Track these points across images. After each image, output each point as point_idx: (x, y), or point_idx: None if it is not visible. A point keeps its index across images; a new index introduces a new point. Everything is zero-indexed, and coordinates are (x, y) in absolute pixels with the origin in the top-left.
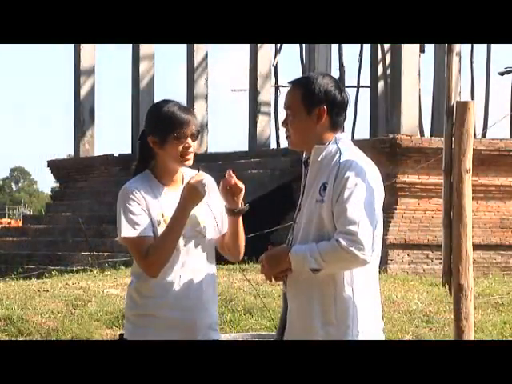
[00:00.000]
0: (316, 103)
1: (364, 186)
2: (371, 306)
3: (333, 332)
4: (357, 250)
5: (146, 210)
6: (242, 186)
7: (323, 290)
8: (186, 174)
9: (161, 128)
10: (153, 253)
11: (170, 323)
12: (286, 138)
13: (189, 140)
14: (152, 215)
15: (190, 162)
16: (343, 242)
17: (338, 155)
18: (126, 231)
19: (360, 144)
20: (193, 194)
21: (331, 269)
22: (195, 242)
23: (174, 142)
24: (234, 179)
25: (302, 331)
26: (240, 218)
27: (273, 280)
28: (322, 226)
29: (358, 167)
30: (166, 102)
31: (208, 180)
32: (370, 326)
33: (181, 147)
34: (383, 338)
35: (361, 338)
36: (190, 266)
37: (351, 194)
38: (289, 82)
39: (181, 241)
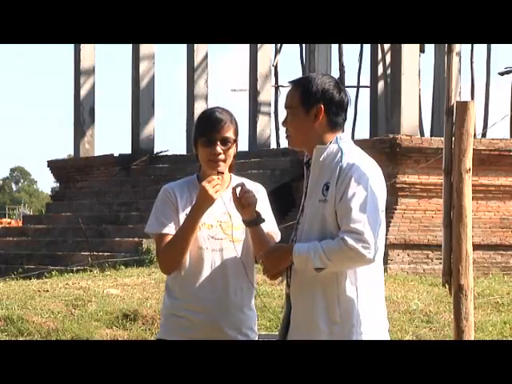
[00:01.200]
0: (313, 102)
1: (367, 185)
2: (375, 305)
3: (337, 331)
4: (363, 248)
5: (174, 208)
6: (249, 200)
7: (327, 290)
8: (234, 180)
9: (195, 131)
10: (163, 250)
11: (192, 324)
12: (286, 137)
13: (217, 147)
14: (181, 214)
15: (220, 169)
16: (349, 241)
17: (339, 155)
18: (149, 226)
19: (360, 144)
20: (202, 195)
21: (336, 267)
22: (225, 245)
23: (202, 147)
24: (243, 192)
25: (307, 331)
26: (260, 234)
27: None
28: (324, 225)
29: (360, 167)
30: (213, 107)
31: (254, 188)
32: (374, 326)
33: (208, 152)
34: (388, 338)
35: (365, 337)
36: (218, 269)
37: (355, 194)
38: (289, 82)
39: (210, 243)
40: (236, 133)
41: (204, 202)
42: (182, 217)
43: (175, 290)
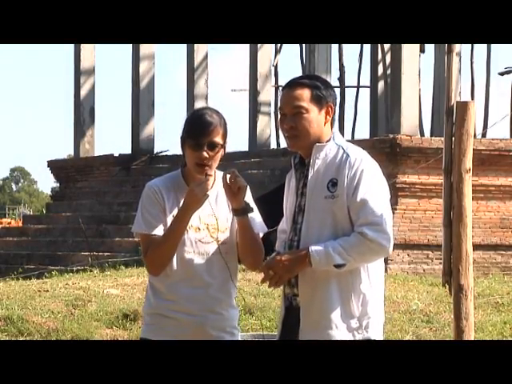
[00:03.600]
0: (325, 101)
1: (377, 178)
2: (382, 297)
3: (354, 325)
4: (383, 239)
5: (161, 209)
6: (240, 184)
7: (341, 284)
8: (218, 176)
9: (184, 130)
10: (151, 251)
11: (179, 324)
12: (289, 138)
13: (203, 152)
14: (168, 216)
15: (208, 172)
16: (370, 233)
17: (341, 151)
18: (136, 226)
19: (360, 144)
20: (191, 198)
21: (357, 262)
22: (211, 248)
23: (189, 150)
24: (233, 177)
25: (322, 327)
26: (249, 225)
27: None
28: (335, 222)
29: (368, 161)
30: (202, 108)
31: (240, 185)
32: (382, 318)
33: (195, 156)
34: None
35: (379, 329)
36: (204, 271)
37: (368, 187)
38: (290, 83)
39: (197, 247)
40: (224, 137)
41: (192, 204)
42: (170, 218)
43: (162, 291)
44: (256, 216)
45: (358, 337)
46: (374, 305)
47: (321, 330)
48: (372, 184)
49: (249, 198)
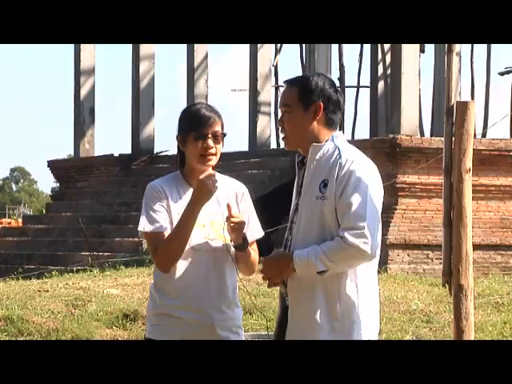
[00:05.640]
0: (312, 99)
1: (367, 181)
2: (373, 301)
3: (338, 327)
4: (363, 244)
5: (166, 207)
6: (238, 220)
7: (327, 288)
8: (217, 178)
9: (183, 126)
10: (161, 248)
11: (186, 324)
12: (283, 138)
13: (209, 140)
14: (173, 214)
15: (212, 163)
16: (350, 238)
17: (337, 152)
18: (142, 225)
19: (360, 144)
20: (201, 188)
21: (339, 268)
22: (217, 246)
23: (193, 141)
24: (231, 214)
25: (307, 328)
26: (246, 255)
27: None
28: (324, 224)
29: (359, 163)
30: (195, 103)
31: (240, 188)
32: (372, 321)
33: (200, 147)
34: (376, 337)
35: (364, 332)
36: (210, 268)
37: (355, 190)
38: (285, 82)
39: (203, 243)
40: (223, 128)
41: (202, 196)
42: (174, 214)
43: (168, 291)
44: (253, 221)
45: (341, 339)
46: (359, 308)
47: (305, 331)
48: (359, 187)
49: (249, 202)
